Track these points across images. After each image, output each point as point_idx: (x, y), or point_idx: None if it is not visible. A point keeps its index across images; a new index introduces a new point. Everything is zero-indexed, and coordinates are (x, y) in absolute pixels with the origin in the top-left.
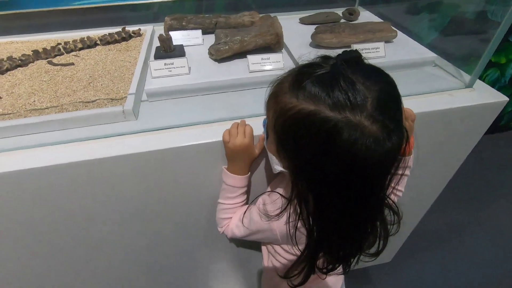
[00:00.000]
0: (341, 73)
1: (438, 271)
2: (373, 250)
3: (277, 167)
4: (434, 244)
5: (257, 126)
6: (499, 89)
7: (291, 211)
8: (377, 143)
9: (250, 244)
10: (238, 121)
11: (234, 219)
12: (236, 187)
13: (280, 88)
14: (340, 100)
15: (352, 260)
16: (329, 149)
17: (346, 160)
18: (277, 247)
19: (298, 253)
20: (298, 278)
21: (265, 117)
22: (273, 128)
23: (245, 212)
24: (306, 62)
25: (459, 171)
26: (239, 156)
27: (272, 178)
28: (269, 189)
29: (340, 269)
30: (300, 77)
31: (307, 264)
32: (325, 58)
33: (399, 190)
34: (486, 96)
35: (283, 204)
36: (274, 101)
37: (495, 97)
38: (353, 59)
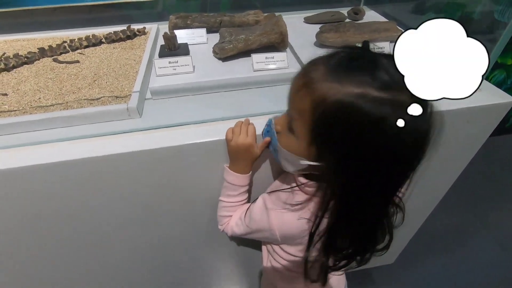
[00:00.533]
0: (376, 56)
1: (441, 273)
2: (380, 247)
3: (303, 162)
4: (437, 246)
5: (261, 125)
6: (505, 91)
7: (311, 206)
8: (422, 121)
9: (251, 243)
10: (242, 119)
11: (235, 217)
12: (237, 186)
13: (310, 79)
14: (385, 81)
15: (365, 256)
16: (378, 131)
17: (396, 140)
18: (276, 247)
19: (297, 253)
20: (320, 277)
21: (270, 117)
22: (310, 119)
23: (245, 210)
24: (334, 50)
25: (464, 172)
26: (240, 155)
27: (275, 177)
28: (271, 187)
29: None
30: (337, 62)
31: (324, 261)
32: (349, 47)
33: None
34: (492, 96)
35: (306, 198)
36: (309, 91)
37: (502, 98)
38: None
